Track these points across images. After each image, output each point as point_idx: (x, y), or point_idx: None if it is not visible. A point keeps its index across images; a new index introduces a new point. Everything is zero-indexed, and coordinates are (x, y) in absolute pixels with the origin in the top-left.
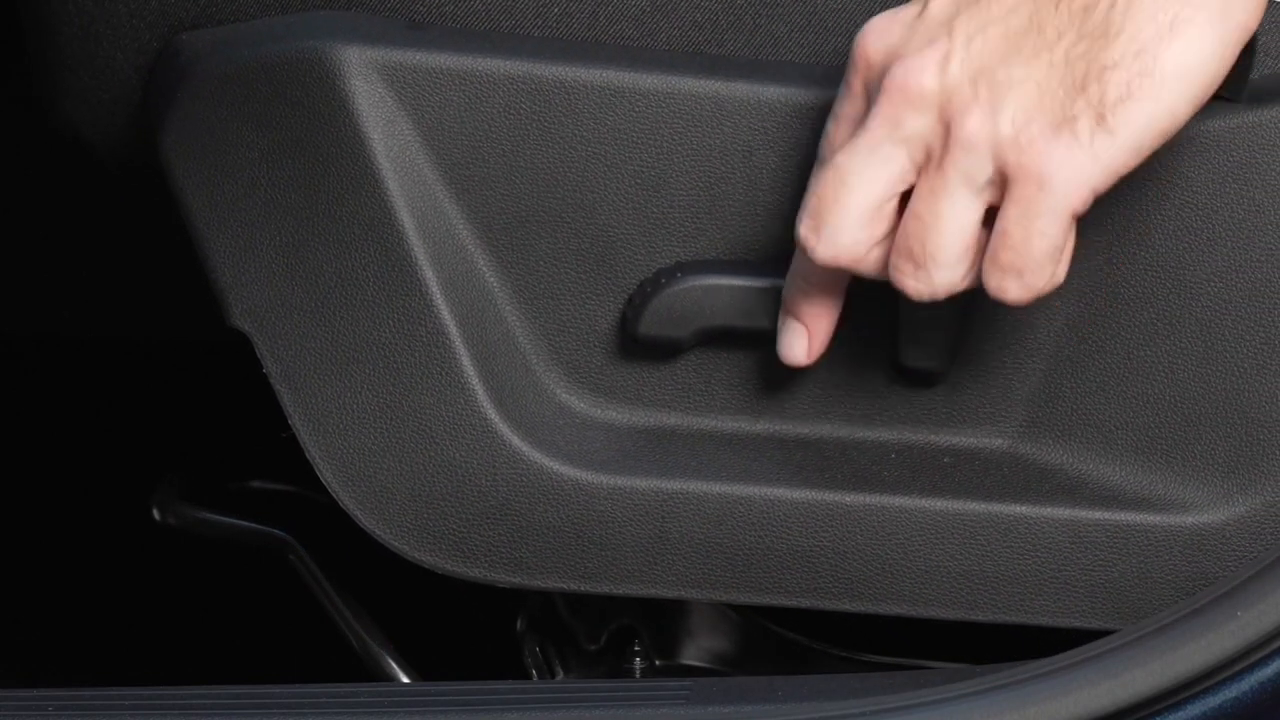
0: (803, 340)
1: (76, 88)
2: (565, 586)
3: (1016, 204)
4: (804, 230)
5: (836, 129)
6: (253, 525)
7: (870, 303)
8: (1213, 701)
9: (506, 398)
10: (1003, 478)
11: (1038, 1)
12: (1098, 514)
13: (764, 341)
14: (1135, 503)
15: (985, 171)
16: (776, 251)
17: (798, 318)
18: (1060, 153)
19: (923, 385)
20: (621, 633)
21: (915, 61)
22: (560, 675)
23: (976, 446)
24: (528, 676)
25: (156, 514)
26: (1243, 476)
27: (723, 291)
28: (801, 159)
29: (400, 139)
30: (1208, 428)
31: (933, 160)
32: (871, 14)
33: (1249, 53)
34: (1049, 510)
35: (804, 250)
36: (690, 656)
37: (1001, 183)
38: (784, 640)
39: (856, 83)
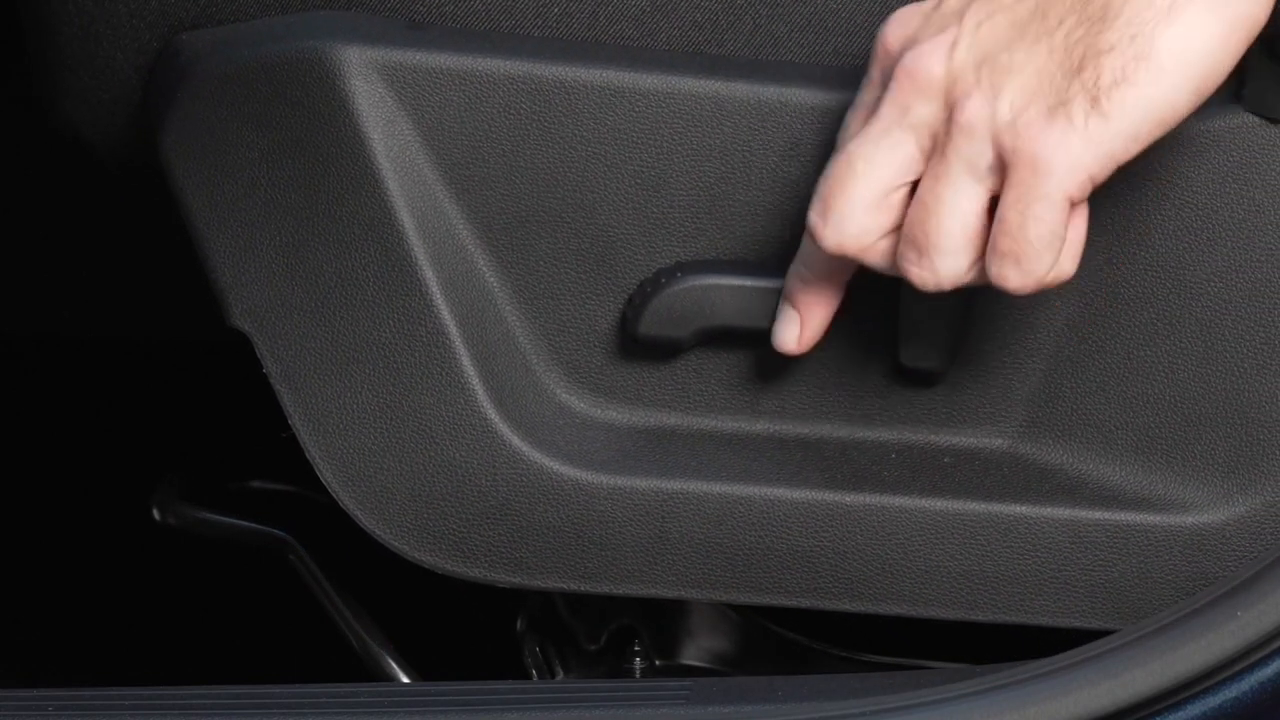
0: (795, 328)
1: (76, 88)
2: (565, 586)
3: (1013, 189)
4: (813, 216)
5: (854, 117)
6: (253, 525)
7: (870, 302)
8: (1213, 701)
9: (506, 398)
10: (1003, 478)
11: None
12: (1098, 514)
13: (764, 341)
14: (1135, 503)
15: (985, 157)
16: (776, 251)
17: (794, 305)
18: (1055, 136)
19: (923, 385)
20: (621, 633)
21: (924, 48)
22: (560, 675)
23: (976, 446)
24: (528, 676)
25: (156, 514)
26: (1243, 476)
27: (723, 291)
28: (801, 159)
29: (400, 139)
30: (1208, 428)
31: (938, 147)
32: (871, 14)
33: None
34: (1049, 510)
35: (812, 236)
36: (690, 656)
37: (1002, 169)
38: (784, 640)
39: (876, 72)
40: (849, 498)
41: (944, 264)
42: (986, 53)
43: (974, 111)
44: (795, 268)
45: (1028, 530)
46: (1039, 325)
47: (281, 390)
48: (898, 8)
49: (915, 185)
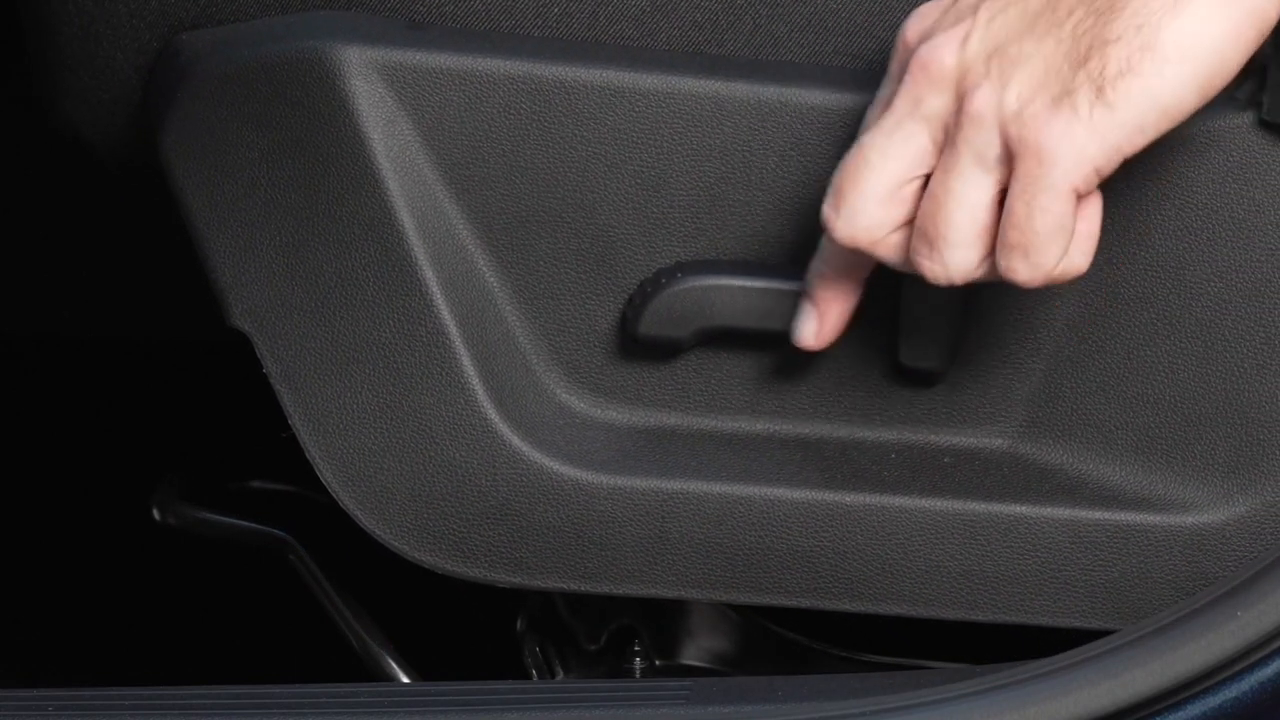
0: (813, 324)
1: (76, 88)
2: (565, 586)
3: (1019, 180)
4: (826, 208)
5: (872, 112)
6: (253, 525)
7: (870, 302)
8: (1213, 701)
9: (506, 398)
10: (1003, 478)
11: None
12: (1098, 514)
13: (764, 341)
14: (1135, 503)
15: (994, 148)
16: (776, 251)
17: (813, 301)
18: (1059, 126)
19: (923, 385)
20: (621, 633)
21: (938, 40)
22: (560, 675)
23: (976, 446)
24: (528, 676)
25: (156, 514)
26: (1243, 476)
27: (723, 291)
28: (801, 159)
29: (400, 139)
30: (1208, 428)
31: (949, 139)
32: (871, 14)
33: None
34: (1049, 510)
35: (825, 229)
36: (690, 656)
37: (1010, 161)
38: (784, 640)
39: (895, 66)
40: (849, 498)
41: (954, 257)
42: (998, 44)
43: (982, 101)
44: (814, 264)
45: (1028, 530)
46: (1039, 325)
47: (281, 390)
48: (898, 8)
49: (929, 178)
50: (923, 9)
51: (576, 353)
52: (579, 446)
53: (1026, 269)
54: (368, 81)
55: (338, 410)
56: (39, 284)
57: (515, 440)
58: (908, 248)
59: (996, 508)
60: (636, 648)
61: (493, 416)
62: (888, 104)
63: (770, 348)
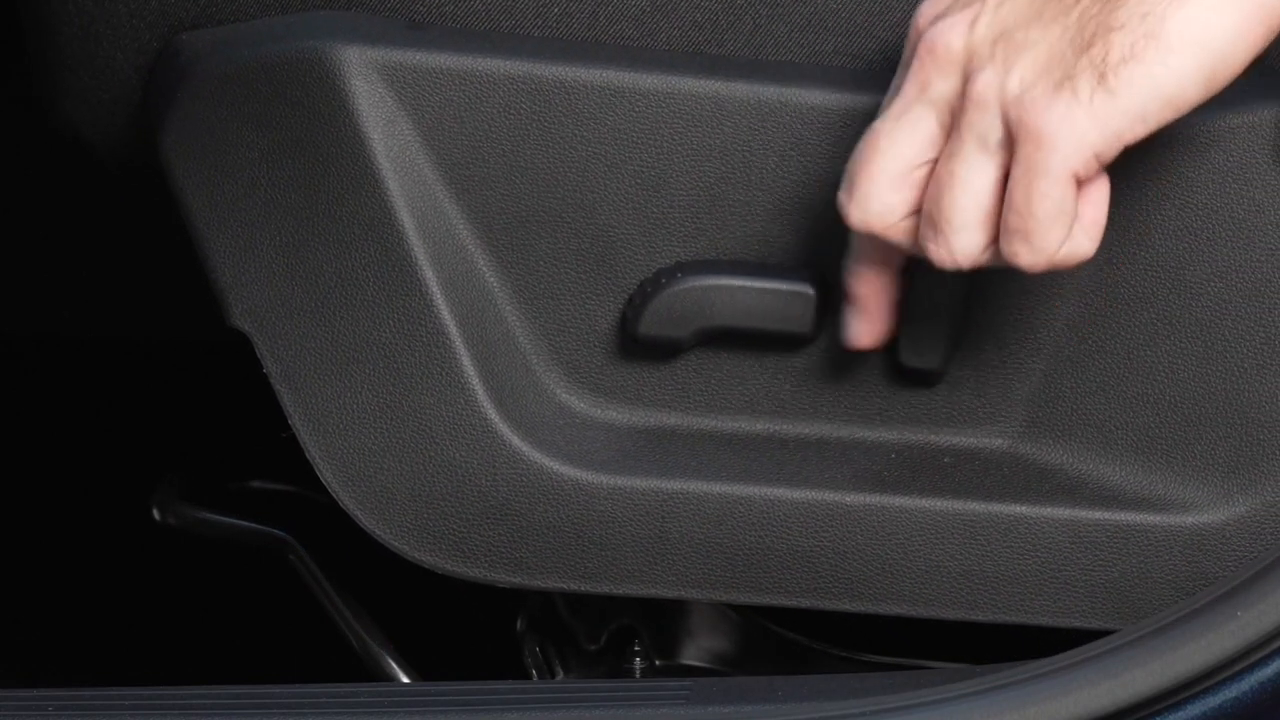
0: (859, 322)
1: (76, 88)
2: (565, 586)
3: (1018, 164)
4: (840, 195)
5: (886, 99)
6: (253, 525)
7: None
8: (1213, 701)
9: (506, 398)
10: (1003, 478)
11: None
12: (1098, 514)
13: (764, 341)
14: (1135, 503)
15: (996, 131)
16: (776, 251)
17: (854, 300)
18: (1059, 110)
19: (923, 385)
20: (621, 633)
21: (946, 23)
22: (560, 675)
23: (976, 446)
24: (528, 676)
25: (156, 514)
26: (1243, 476)
27: (723, 291)
28: (801, 159)
29: (400, 139)
30: (1208, 428)
31: (954, 123)
32: (871, 14)
33: None
34: (1049, 510)
35: (841, 216)
36: (690, 656)
37: (1012, 145)
38: (784, 640)
39: (907, 52)
40: (849, 498)
41: (959, 241)
42: (1004, 29)
43: (984, 85)
44: (847, 262)
45: (1028, 530)
46: (1039, 325)
47: (281, 390)
48: (898, 8)
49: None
50: None
51: (576, 353)
52: (579, 446)
53: (1028, 254)
54: (368, 81)
55: (338, 410)
56: (39, 284)
57: (515, 440)
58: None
59: (996, 508)
60: (636, 648)
61: (493, 416)
62: (899, 90)
63: (770, 348)
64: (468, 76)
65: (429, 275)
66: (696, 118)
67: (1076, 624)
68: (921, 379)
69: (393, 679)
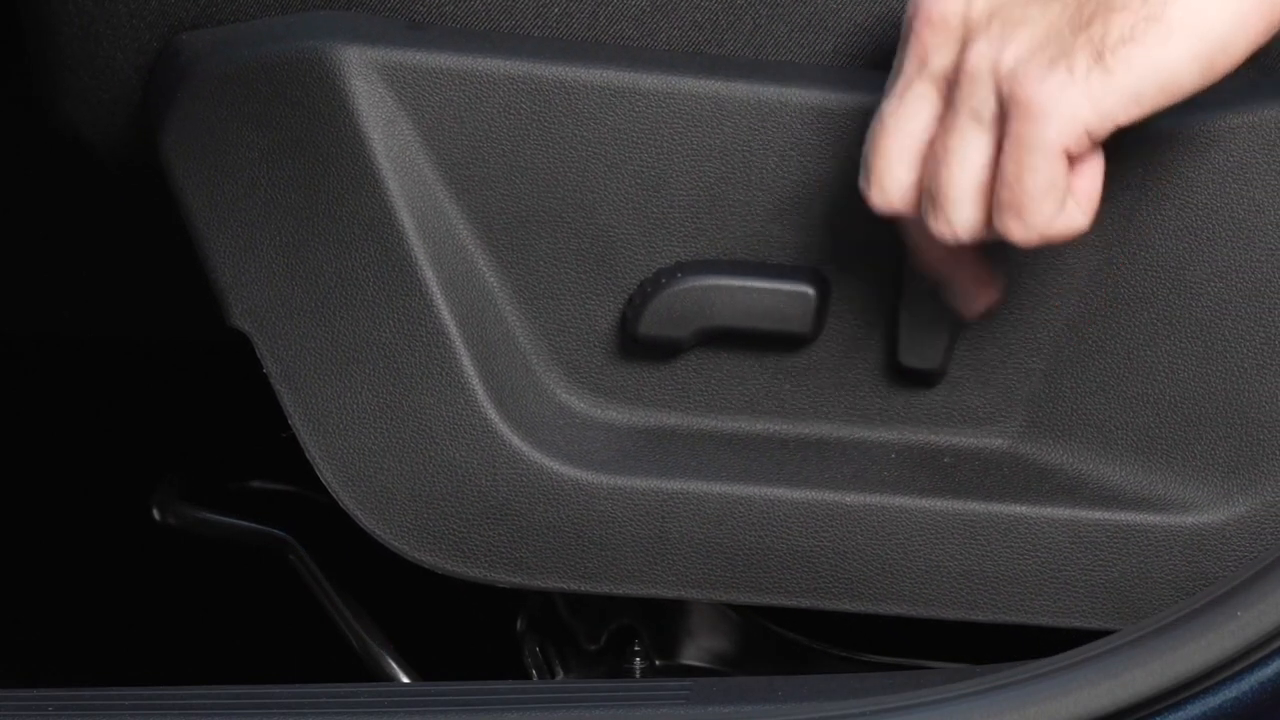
0: (962, 298)
1: (76, 88)
2: (565, 586)
3: (1010, 137)
4: (860, 182)
5: (890, 79)
6: (253, 525)
7: (870, 302)
8: (1213, 701)
9: (506, 398)
10: (1003, 478)
11: None
12: (1098, 514)
13: (764, 341)
14: (1135, 503)
15: (989, 105)
16: (776, 251)
17: (948, 281)
18: (1052, 86)
19: (923, 385)
20: (621, 633)
21: None
22: (560, 675)
23: (976, 446)
24: (528, 676)
25: (156, 514)
26: (1243, 476)
27: (723, 291)
28: (801, 159)
29: (400, 139)
30: (1208, 428)
31: (950, 96)
32: (871, 14)
33: None
34: (1049, 510)
35: (866, 202)
36: (690, 656)
37: (1005, 119)
38: (784, 640)
39: (906, 28)
40: (849, 498)
41: (959, 215)
42: (1003, 3)
43: (978, 57)
44: (918, 256)
45: (1028, 530)
46: (1039, 325)
47: (281, 390)
48: (898, 8)
49: None
50: None
51: (576, 353)
52: (579, 446)
53: (1021, 228)
54: (368, 81)
55: (338, 410)
56: (39, 284)
57: (515, 440)
58: None
59: (996, 508)
60: (636, 648)
61: (493, 416)
62: (900, 68)
63: (770, 348)
64: (468, 76)
65: (429, 275)
66: (696, 118)
67: (1076, 624)
68: (921, 379)
69: (393, 679)
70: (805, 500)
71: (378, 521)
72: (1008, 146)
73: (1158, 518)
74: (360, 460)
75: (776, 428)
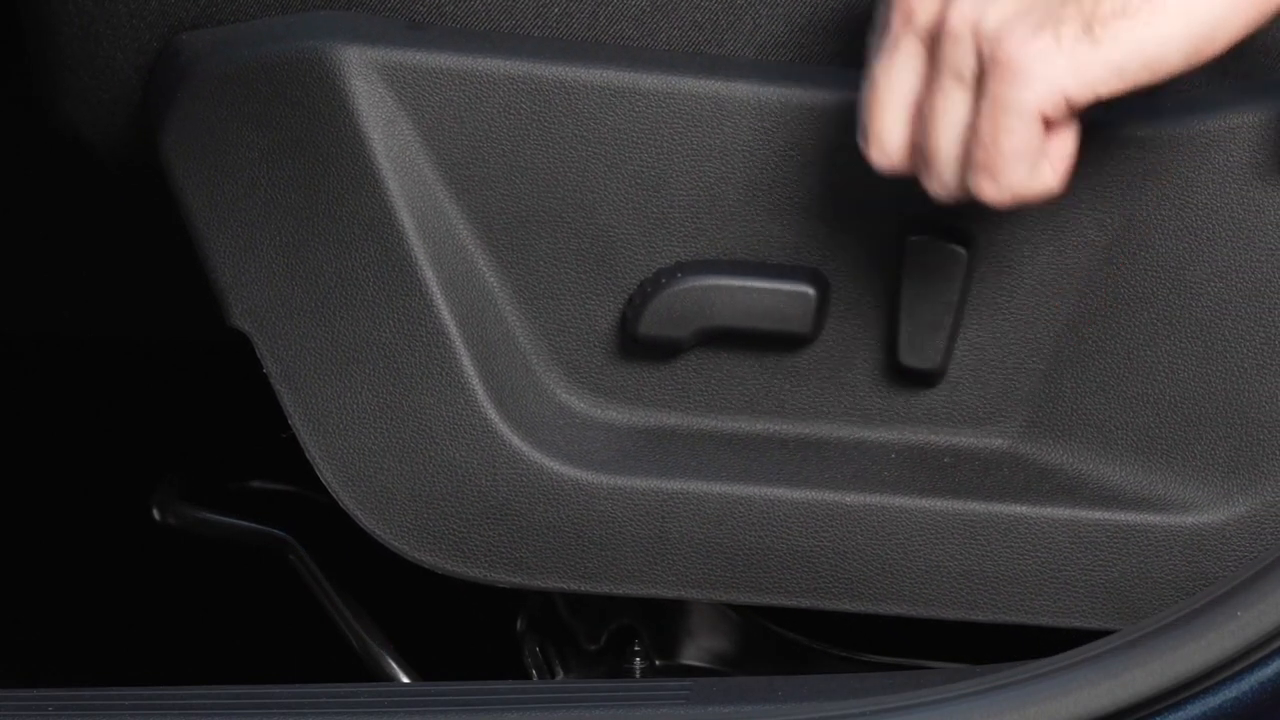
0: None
1: (76, 88)
2: (565, 586)
3: (987, 98)
4: (860, 143)
5: (871, 37)
6: (253, 525)
7: (870, 302)
8: (1213, 701)
9: (506, 398)
10: (1003, 478)
11: None
12: (1098, 514)
13: (764, 341)
14: (1135, 503)
15: (969, 64)
16: (776, 251)
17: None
18: (1035, 50)
19: (923, 385)
20: (621, 633)
21: None
22: (560, 675)
23: (976, 446)
24: (528, 676)
25: (156, 514)
26: (1243, 476)
27: (723, 291)
28: (801, 159)
29: (400, 139)
30: (1208, 428)
31: (933, 55)
32: (871, 15)
33: None
34: (1049, 510)
35: (868, 162)
36: (690, 656)
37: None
38: (784, 640)
39: None
40: (849, 498)
41: (946, 174)
42: None
43: (960, 16)
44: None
45: (1028, 530)
46: (1039, 325)
47: (281, 390)
48: None
49: None
50: None
51: (576, 353)
52: (579, 446)
53: (994, 189)
54: (368, 81)
55: (338, 410)
56: (39, 284)
57: (515, 440)
58: None
59: (996, 508)
60: (636, 648)
61: (493, 416)
62: (886, 24)
63: (770, 348)
64: (468, 76)
65: (429, 275)
66: (696, 118)
67: (1076, 624)
68: (921, 379)
69: (393, 679)
70: (805, 500)
71: (378, 521)
72: (984, 107)
73: (1158, 518)
74: (360, 460)
75: (776, 428)
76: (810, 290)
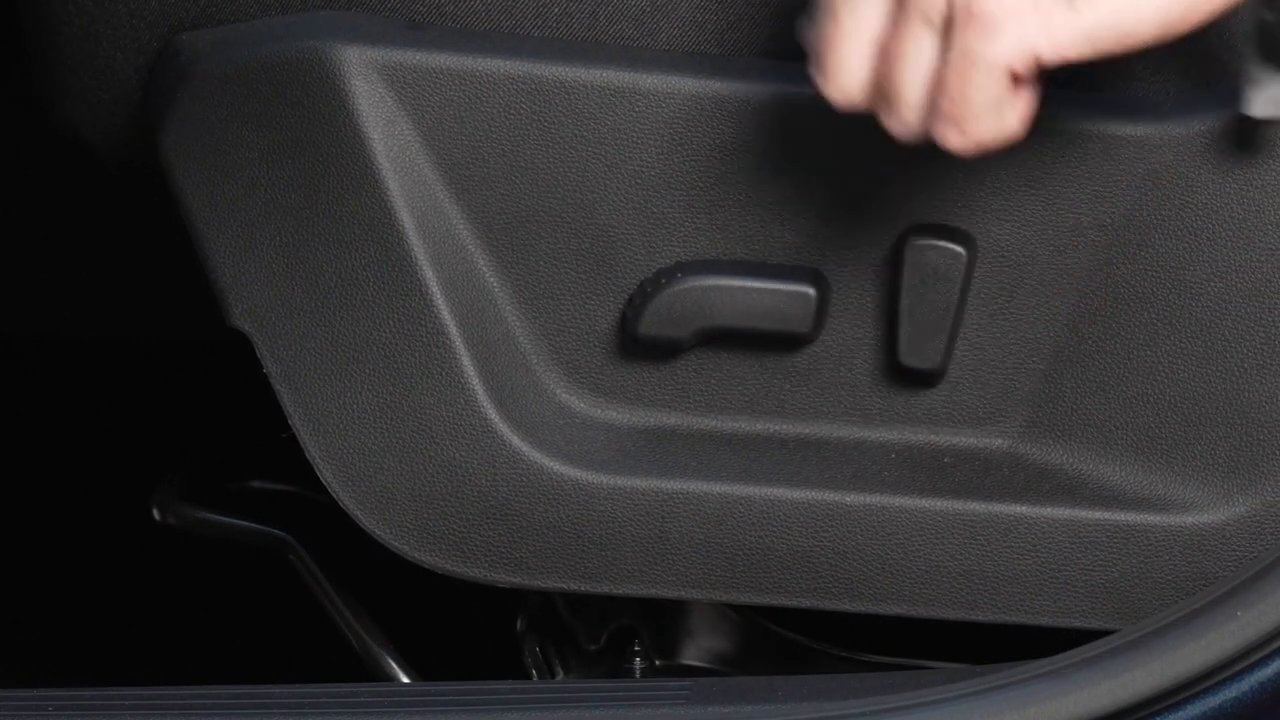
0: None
1: (76, 88)
2: (565, 586)
3: (955, 49)
4: (814, 74)
5: None
6: (253, 525)
7: (869, 302)
8: (1213, 701)
9: (506, 398)
10: (1003, 478)
11: None
12: (1098, 514)
13: (764, 341)
14: (1135, 503)
15: (939, 8)
16: (776, 251)
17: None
18: (1010, 5)
19: (923, 385)
20: (621, 633)
21: None
22: (560, 675)
23: (976, 446)
24: (528, 676)
25: (156, 514)
26: (1243, 476)
27: (723, 291)
28: (801, 158)
29: (400, 139)
30: (1208, 428)
31: None
32: None
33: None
34: (1049, 510)
35: (820, 92)
36: (690, 656)
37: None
38: (784, 640)
39: None
40: (849, 498)
41: (909, 116)
42: None
43: None
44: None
45: (1028, 530)
46: (1039, 325)
47: (281, 390)
48: None
49: None
50: None
51: (576, 353)
52: (579, 446)
53: (960, 139)
54: (368, 81)
55: (338, 410)
56: (39, 284)
57: (515, 440)
58: None
59: (996, 508)
60: (636, 648)
61: (493, 416)
62: None
63: (770, 348)
64: (468, 76)
65: (429, 275)
66: (696, 118)
67: (1076, 624)
68: (921, 379)
69: (393, 679)
70: (805, 500)
71: (378, 521)
72: (953, 59)
73: (1158, 518)
74: (360, 460)
75: (776, 428)
76: (810, 290)
